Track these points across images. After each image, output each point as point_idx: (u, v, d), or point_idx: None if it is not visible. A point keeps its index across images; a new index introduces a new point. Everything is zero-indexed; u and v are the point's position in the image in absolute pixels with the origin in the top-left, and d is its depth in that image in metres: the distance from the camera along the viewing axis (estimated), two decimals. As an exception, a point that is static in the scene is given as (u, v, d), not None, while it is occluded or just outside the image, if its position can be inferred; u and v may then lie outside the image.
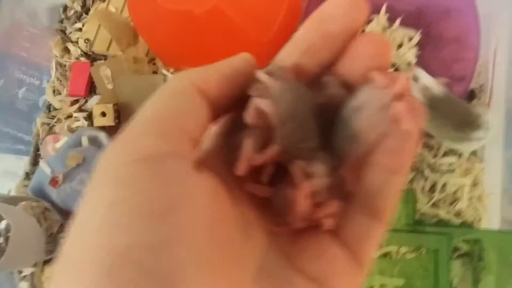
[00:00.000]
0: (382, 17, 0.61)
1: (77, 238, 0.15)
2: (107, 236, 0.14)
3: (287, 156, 0.18)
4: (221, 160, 0.19)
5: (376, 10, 0.62)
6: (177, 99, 0.17)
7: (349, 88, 0.19)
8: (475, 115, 0.51)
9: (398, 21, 0.61)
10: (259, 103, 0.18)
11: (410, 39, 0.61)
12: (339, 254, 0.18)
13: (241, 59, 0.20)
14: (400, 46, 0.61)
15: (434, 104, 0.49)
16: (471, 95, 0.64)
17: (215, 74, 0.19)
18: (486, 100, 0.63)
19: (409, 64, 0.60)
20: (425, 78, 0.50)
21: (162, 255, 0.14)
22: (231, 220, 0.17)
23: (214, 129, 0.20)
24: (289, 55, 0.20)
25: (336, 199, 0.18)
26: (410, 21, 0.61)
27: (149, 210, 0.14)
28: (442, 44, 0.58)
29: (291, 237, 0.19)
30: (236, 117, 0.19)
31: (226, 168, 0.19)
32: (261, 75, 0.19)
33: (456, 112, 0.50)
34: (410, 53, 0.60)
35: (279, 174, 0.18)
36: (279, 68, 0.19)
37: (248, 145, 0.18)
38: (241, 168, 0.17)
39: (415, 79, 0.50)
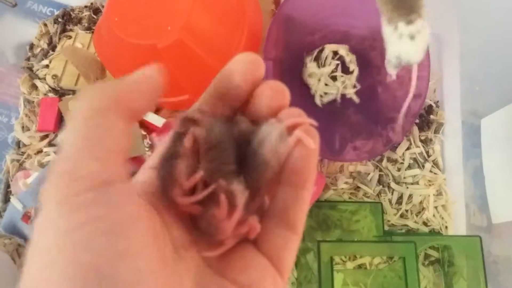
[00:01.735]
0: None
1: (42, 260, 0.16)
2: (72, 254, 0.16)
3: (211, 178, 0.21)
4: (152, 191, 0.22)
5: (333, 37, 0.65)
6: (101, 124, 0.18)
7: (258, 124, 0.23)
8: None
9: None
10: (195, 131, 0.21)
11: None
12: (264, 263, 0.22)
13: (152, 71, 0.22)
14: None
15: None
16: (428, 110, 0.67)
17: (135, 91, 0.20)
18: (443, 114, 0.67)
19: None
20: None
21: (123, 266, 0.16)
22: (162, 242, 0.20)
23: (146, 164, 0.23)
24: (205, 102, 0.24)
25: (255, 215, 0.22)
26: (365, 44, 0.64)
27: (104, 229, 0.16)
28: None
29: (221, 255, 0.22)
30: (165, 153, 0.22)
31: (156, 197, 0.21)
32: (192, 113, 0.22)
33: None
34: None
35: (204, 198, 0.21)
36: (198, 111, 0.23)
37: (179, 169, 0.21)
38: (178, 193, 0.21)
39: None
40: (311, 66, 0.64)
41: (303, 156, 0.22)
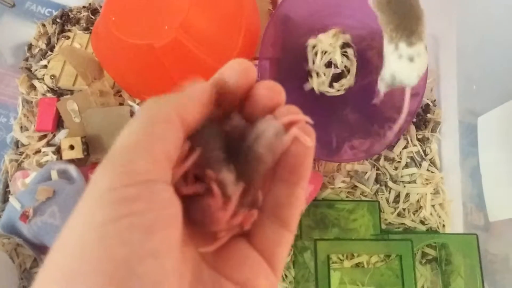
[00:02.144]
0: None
1: (74, 249, 0.16)
2: (108, 248, 0.16)
3: (200, 166, 0.21)
4: None
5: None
6: (161, 126, 0.19)
7: (252, 121, 0.23)
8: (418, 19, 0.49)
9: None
10: None
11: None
12: (257, 260, 0.22)
13: (204, 85, 0.22)
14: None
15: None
16: (425, 109, 0.68)
17: (195, 104, 0.21)
18: (440, 113, 0.67)
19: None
20: None
21: (153, 265, 0.16)
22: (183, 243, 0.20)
23: None
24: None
25: (248, 208, 0.22)
26: (364, 43, 0.64)
27: (141, 225, 0.17)
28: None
29: (216, 251, 0.22)
30: None
31: None
32: None
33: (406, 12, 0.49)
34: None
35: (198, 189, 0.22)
36: None
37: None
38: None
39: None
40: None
41: (299, 154, 0.22)
